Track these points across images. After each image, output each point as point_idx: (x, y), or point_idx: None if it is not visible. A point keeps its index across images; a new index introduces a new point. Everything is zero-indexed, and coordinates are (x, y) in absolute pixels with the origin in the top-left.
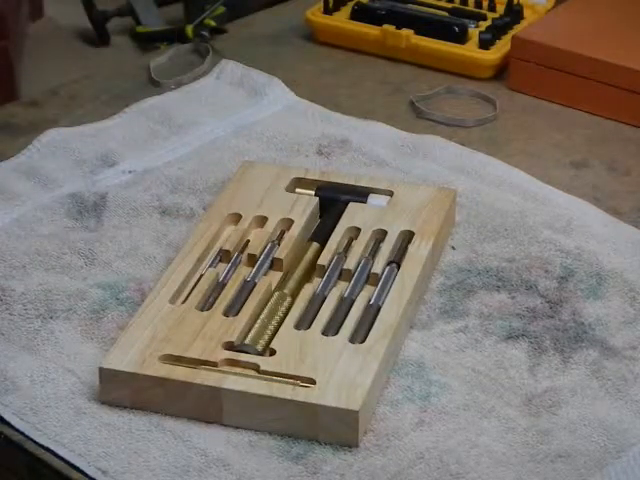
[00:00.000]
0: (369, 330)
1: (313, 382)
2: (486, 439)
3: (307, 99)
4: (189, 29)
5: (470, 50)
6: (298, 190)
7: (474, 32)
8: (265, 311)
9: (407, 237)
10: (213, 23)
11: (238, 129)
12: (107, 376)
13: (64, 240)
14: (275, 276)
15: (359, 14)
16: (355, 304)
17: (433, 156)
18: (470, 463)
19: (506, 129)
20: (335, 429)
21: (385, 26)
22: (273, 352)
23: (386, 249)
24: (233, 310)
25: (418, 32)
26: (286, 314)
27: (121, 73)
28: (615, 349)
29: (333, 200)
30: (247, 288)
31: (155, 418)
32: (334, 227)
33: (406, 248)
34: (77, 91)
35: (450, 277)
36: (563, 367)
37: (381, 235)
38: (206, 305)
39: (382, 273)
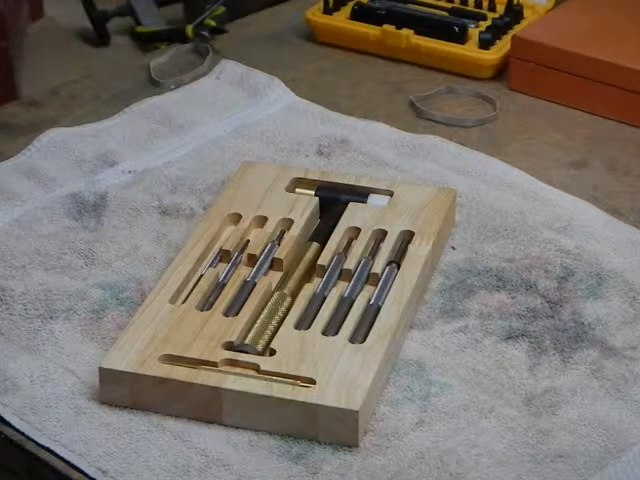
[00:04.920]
0: (369, 330)
1: (313, 382)
2: (486, 439)
3: (307, 99)
4: (189, 29)
5: (470, 50)
6: (298, 190)
7: (474, 32)
8: (265, 311)
9: (407, 237)
10: (213, 23)
11: (238, 129)
12: (107, 376)
13: (64, 240)
14: (275, 276)
15: (359, 14)
16: (355, 304)
17: (433, 156)
18: (470, 463)
19: (506, 129)
20: (335, 429)
21: (385, 26)
22: (273, 352)
23: (386, 249)
24: (233, 310)
25: (418, 32)
26: (286, 314)
27: (121, 73)
28: (615, 349)
29: (333, 200)
30: (247, 288)
31: (155, 418)
32: (334, 227)
33: (406, 248)
34: (77, 91)
35: (450, 277)
36: (563, 367)
37: (381, 235)
38: (206, 305)
39: (382, 273)
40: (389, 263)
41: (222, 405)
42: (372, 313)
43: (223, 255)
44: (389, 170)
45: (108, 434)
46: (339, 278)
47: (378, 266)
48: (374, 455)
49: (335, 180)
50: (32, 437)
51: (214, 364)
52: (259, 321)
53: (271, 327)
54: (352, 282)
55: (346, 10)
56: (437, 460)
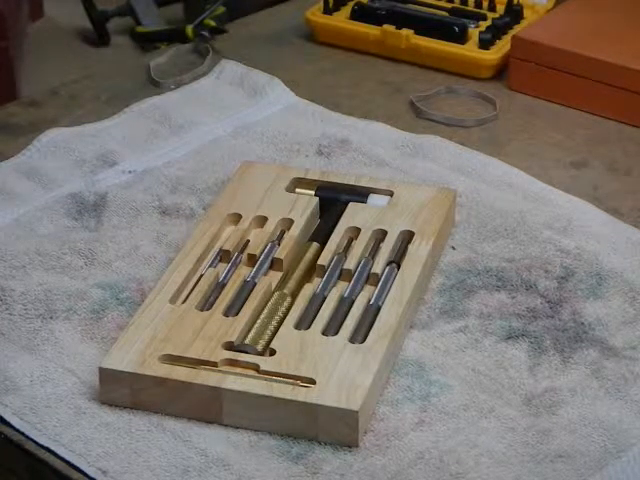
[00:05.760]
0: (369, 330)
1: (313, 382)
2: (486, 439)
3: (307, 99)
4: (189, 29)
5: (470, 50)
6: (298, 190)
7: (474, 32)
8: (265, 311)
9: (407, 237)
10: (213, 23)
11: (238, 129)
12: (107, 376)
13: (64, 240)
14: (275, 276)
15: (359, 14)
16: (355, 304)
17: (433, 156)
18: (470, 463)
19: (506, 129)
20: (335, 429)
21: (385, 26)
22: (273, 352)
23: (386, 249)
24: (233, 310)
25: (418, 32)
26: (286, 314)
27: (121, 73)
28: (615, 349)
29: (333, 200)
30: (247, 288)
31: (155, 418)
32: (334, 227)
33: (406, 248)
34: (77, 91)
35: (450, 277)
36: (563, 367)
37: (381, 235)
38: (206, 305)
39: (382, 273)
40: (389, 263)
41: (222, 405)
42: (372, 313)
43: (223, 255)
44: (389, 170)
45: (108, 434)
46: (339, 278)
47: (378, 266)
48: (374, 455)
49: (335, 180)
50: (32, 437)
51: (214, 364)
52: (259, 321)
53: (271, 327)
54: (352, 282)
55: (346, 10)
56: (437, 460)
